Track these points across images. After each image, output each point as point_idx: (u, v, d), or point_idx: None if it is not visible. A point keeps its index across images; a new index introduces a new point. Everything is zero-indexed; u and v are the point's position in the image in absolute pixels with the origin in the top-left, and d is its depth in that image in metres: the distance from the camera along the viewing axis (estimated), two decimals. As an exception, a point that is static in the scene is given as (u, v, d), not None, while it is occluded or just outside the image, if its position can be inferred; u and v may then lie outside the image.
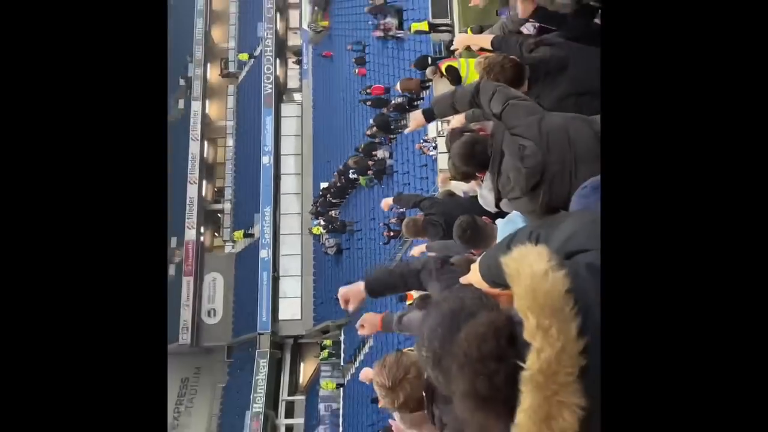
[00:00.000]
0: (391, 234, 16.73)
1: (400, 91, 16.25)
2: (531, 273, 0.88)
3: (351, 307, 2.20)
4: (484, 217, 3.18)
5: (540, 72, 2.54)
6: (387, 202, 4.85)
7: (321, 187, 21.91)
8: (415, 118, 2.72)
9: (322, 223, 21.39)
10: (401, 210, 16.11)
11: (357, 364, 19.40)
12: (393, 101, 16.97)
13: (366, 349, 18.95)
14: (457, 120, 3.75)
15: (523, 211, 2.29)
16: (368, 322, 2.28)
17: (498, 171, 2.18)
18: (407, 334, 2.24)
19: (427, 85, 15.36)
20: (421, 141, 15.10)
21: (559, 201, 1.96)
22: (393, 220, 16.46)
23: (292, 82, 27.77)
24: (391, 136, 17.77)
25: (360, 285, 2.18)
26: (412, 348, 1.89)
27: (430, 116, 2.63)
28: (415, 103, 16.13)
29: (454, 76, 5.88)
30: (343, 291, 2.22)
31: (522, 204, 2.18)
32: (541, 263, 0.90)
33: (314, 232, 22.03)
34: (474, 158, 2.35)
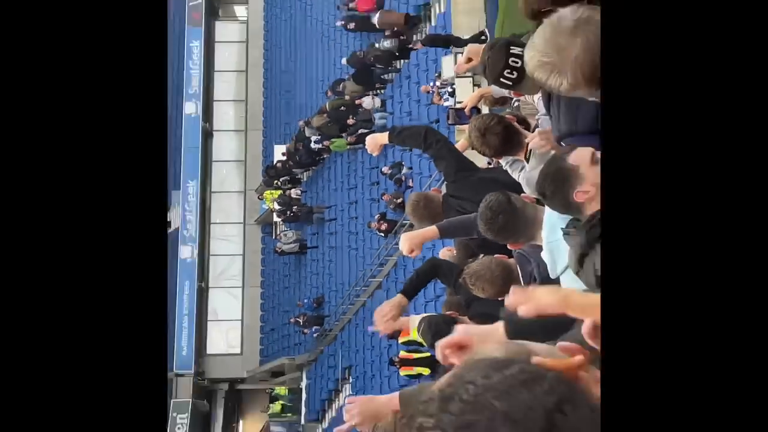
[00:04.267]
0: (387, 226, 16.57)
1: (378, 26, 17.28)
2: None
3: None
4: (522, 194, 3.38)
5: None
6: (375, 140, 4.69)
7: (276, 152, 21.89)
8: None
9: (278, 198, 21.41)
10: (398, 175, 16.15)
11: (326, 424, 19.53)
12: (376, 46, 17.64)
13: (340, 401, 19.05)
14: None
15: None
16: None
17: None
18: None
19: (416, 20, 16.67)
20: (431, 83, 14.97)
21: None
22: (386, 197, 16.34)
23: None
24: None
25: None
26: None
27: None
28: (409, 45, 16.98)
29: None
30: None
31: None
32: None
33: (266, 199, 22.02)
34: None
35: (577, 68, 1.91)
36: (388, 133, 4.82)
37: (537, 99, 3.56)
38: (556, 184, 2.44)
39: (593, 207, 2.31)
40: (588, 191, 2.34)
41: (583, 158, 2.51)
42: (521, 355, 1.03)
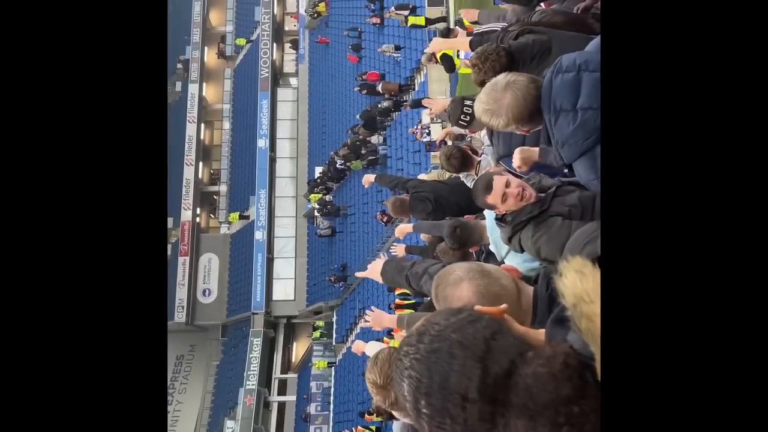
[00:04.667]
0: (387, 218, 16.68)
1: (381, 92, 17.53)
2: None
3: (364, 275, 2.55)
4: (466, 216, 3.31)
5: (526, 56, 2.57)
6: (368, 178, 4.78)
7: (316, 171, 21.85)
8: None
9: (318, 200, 21.35)
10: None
11: (349, 344, 19.51)
12: (379, 105, 17.75)
13: (357, 329, 19.05)
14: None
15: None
16: (369, 266, 2.53)
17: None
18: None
19: (408, 86, 16.85)
20: (415, 126, 15.05)
21: None
22: (385, 202, 16.42)
23: (288, 67, 27.55)
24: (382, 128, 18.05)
25: (378, 262, 2.48)
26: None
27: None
28: (404, 102, 17.07)
29: (448, 64, 5.88)
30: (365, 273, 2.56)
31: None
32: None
33: (312, 199, 21.86)
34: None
35: (509, 112, 1.81)
36: (374, 176, 4.88)
37: (483, 134, 3.45)
38: (477, 192, 2.29)
39: (509, 205, 2.20)
40: (494, 197, 2.20)
41: (497, 172, 2.39)
42: (468, 305, 0.95)
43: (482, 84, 2.76)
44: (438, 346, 0.82)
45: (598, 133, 1.63)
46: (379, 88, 17.40)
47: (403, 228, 4.34)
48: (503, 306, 0.94)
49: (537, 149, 2.35)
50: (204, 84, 27.56)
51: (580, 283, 0.81)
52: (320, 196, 21.36)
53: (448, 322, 0.85)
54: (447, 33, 4.27)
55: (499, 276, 1.36)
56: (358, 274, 2.51)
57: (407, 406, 0.84)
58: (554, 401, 0.74)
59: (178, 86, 27.28)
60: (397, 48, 17.25)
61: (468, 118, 2.99)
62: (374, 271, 2.50)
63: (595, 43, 1.89)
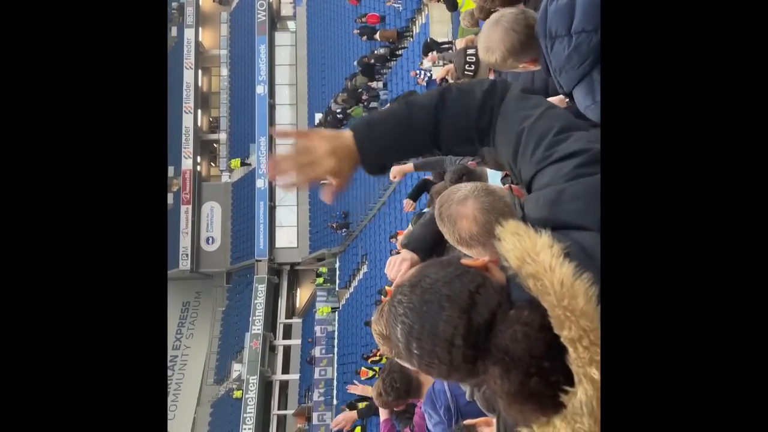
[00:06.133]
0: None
1: (380, 39, 17.31)
2: (559, 280, 0.83)
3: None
4: (470, 162, 3.31)
5: None
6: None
7: (316, 118, 21.63)
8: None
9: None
10: None
11: (351, 289, 19.84)
12: (375, 52, 17.54)
13: (360, 275, 19.32)
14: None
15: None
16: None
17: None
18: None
19: (406, 34, 16.64)
20: (417, 70, 14.78)
21: None
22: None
23: (286, 10, 26.83)
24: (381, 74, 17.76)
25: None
26: None
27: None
28: (398, 52, 16.85)
29: (450, 2, 5.70)
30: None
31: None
32: (561, 267, 0.84)
33: None
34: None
35: (501, 45, 1.82)
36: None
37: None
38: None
39: None
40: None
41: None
42: (455, 258, 1.00)
43: (487, 15, 2.77)
44: (429, 298, 0.91)
45: (593, 55, 1.60)
46: (378, 36, 17.19)
47: (402, 168, 4.29)
48: (486, 258, 0.99)
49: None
50: (200, 29, 26.90)
51: (519, 244, 0.88)
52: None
53: (438, 275, 0.94)
54: None
55: (503, 194, 1.38)
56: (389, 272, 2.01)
57: (399, 347, 0.94)
58: (527, 356, 0.84)
59: (174, 31, 26.64)
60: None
61: (473, 67, 2.99)
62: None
63: None
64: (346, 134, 1.17)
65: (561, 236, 0.91)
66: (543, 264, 0.85)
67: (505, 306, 0.90)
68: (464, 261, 0.97)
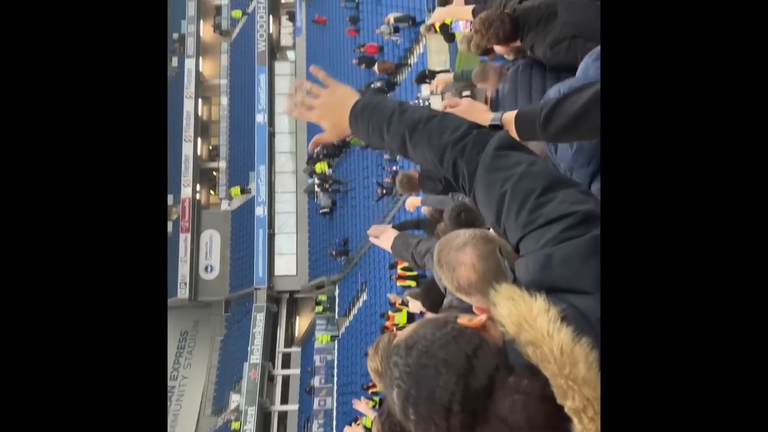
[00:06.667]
0: (384, 192, 16.74)
1: (378, 73, 17.66)
2: (558, 346, 0.81)
3: (376, 242, 2.52)
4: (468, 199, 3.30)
5: (531, 20, 2.52)
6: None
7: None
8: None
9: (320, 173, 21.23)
10: (395, 168, 16.33)
11: (351, 317, 19.72)
12: (372, 85, 17.86)
13: (360, 303, 19.21)
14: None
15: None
16: (381, 235, 2.51)
17: None
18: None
19: (405, 64, 17.01)
20: (416, 99, 14.95)
21: None
22: (387, 179, 16.45)
23: (286, 40, 27.23)
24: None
25: (390, 234, 2.48)
26: None
27: None
28: (395, 85, 17.25)
29: (447, 33, 5.77)
30: (376, 229, 2.51)
31: None
32: (559, 333, 0.81)
33: (317, 170, 21.72)
34: None
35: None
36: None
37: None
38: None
39: None
40: None
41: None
42: (452, 317, 0.97)
43: (485, 51, 2.77)
44: (425, 362, 0.88)
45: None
46: (376, 68, 17.45)
47: (413, 201, 4.62)
48: (483, 317, 0.96)
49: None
50: (201, 59, 27.25)
51: (515, 309, 0.86)
52: (325, 164, 21.26)
53: (434, 337, 0.91)
54: (445, 1, 4.26)
55: (502, 242, 1.35)
56: (371, 239, 2.51)
57: (395, 409, 0.92)
58: (527, 426, 0.82)
59: (175, 62, 26.99)
60: (396, 30, 17.11)
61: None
62: (385, 241, 2.53)
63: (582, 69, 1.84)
64: (349, 104, 1.31)
65: (555, 299, 0.89)
66: (541, 330, 0.83)
67: (503, 370, 0.87)
68: (461, 321, 0.95)
